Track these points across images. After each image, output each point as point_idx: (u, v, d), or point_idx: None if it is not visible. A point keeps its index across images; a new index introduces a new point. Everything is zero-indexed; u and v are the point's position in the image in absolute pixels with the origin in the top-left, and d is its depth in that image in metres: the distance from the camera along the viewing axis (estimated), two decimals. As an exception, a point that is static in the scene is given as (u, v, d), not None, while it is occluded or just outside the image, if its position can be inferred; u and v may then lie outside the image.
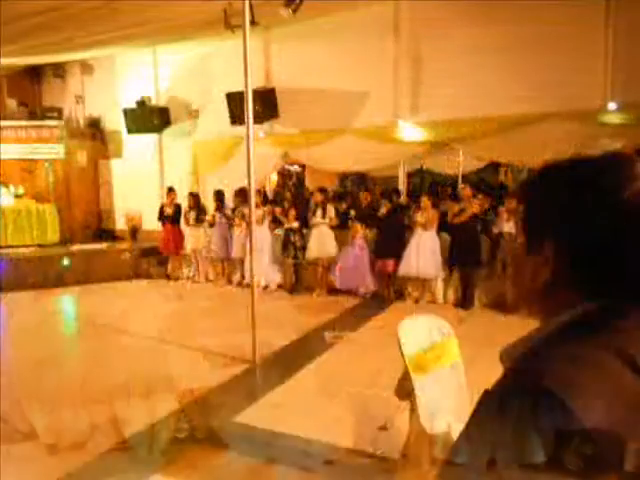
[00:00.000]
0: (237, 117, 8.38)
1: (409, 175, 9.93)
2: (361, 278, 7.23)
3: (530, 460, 0.54)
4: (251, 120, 4.53)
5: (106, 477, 2.96)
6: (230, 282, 8.54)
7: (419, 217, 6.84)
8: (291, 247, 7.66)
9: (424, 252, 6.71)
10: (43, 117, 10.40)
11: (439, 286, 6.95)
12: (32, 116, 10.46)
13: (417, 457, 2.30)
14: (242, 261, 8.19)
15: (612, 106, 6.44)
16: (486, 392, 0.61)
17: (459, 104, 7.26)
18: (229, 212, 8.36)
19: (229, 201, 8.53)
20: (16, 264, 8.39)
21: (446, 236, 6.90)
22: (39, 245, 9.61)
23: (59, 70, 11.00)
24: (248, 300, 4.85)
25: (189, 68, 9.68)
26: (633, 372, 0.56)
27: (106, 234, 10.91)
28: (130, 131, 9.94)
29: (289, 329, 5.85)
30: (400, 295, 7.18)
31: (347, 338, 5.46)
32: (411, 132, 7.75)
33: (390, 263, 6.99)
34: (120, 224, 10.91)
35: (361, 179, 13.60)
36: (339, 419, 3.56)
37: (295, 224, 7.69)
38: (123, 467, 3.03)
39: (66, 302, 7.86)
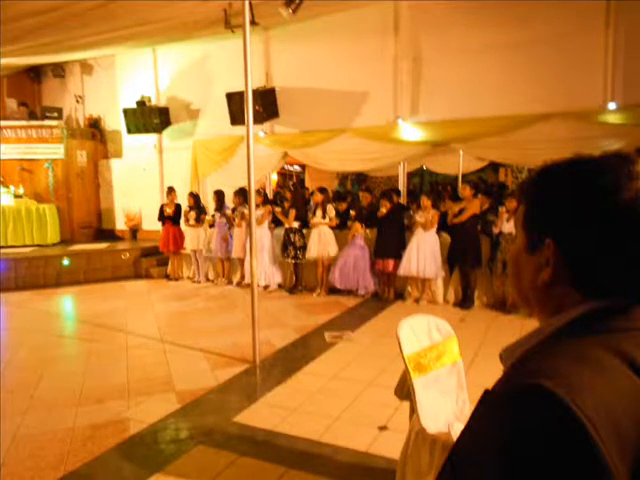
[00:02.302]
0: (237, 117, 8.39)
1: (409, 175, 9.94)
2: (361, 278, 7.23)
3: None
4: (251, 120, 4.53)
5: (106, 477, 2.96)
6: (230, 282, 8.55)
7: (419, 217, 6.83)
8: (291, 247, 7.66)
9: (424, 252, 6.71)
10: (43, 117, 10.41)
11: (439, 286, 6.94)
12: (32, 116, 10.47)
13: (417, 457, 2.31)
14: (242, 261, 8.20)
15: (612, 106, 6.44)
16: (486, 392, 0.61)
17: (459, 104, 7.26)
18: (229, 212, 8.36)
19: (229, 201, 8.52)
20: (16, 264, 8.40)
21: (446, 236, 6.91)
22: (39, 245, 9.61)
23: (59, 70, 11.01)
24: (248, 300, 4.85)
25: (189, 68, 9.69)
26: (633, 372, 0.56)
27: (106, 234, 10.93)
28: (130, 131, 9.94)
29: (289, 329, 5.86)
30: (400, 295, 7.18)
31: (347, 338, 5.46)
32: (411, 132, 7.74)
33: (390, 263, 6.99)
34: (120, 224, 10.92)
35: (361, 179, 13.63)
36: (339, 419, 3.57)
37: (295, 224, 7.69)
38: (123, 467, 3.04)
39: (66, 302, 7.85)
